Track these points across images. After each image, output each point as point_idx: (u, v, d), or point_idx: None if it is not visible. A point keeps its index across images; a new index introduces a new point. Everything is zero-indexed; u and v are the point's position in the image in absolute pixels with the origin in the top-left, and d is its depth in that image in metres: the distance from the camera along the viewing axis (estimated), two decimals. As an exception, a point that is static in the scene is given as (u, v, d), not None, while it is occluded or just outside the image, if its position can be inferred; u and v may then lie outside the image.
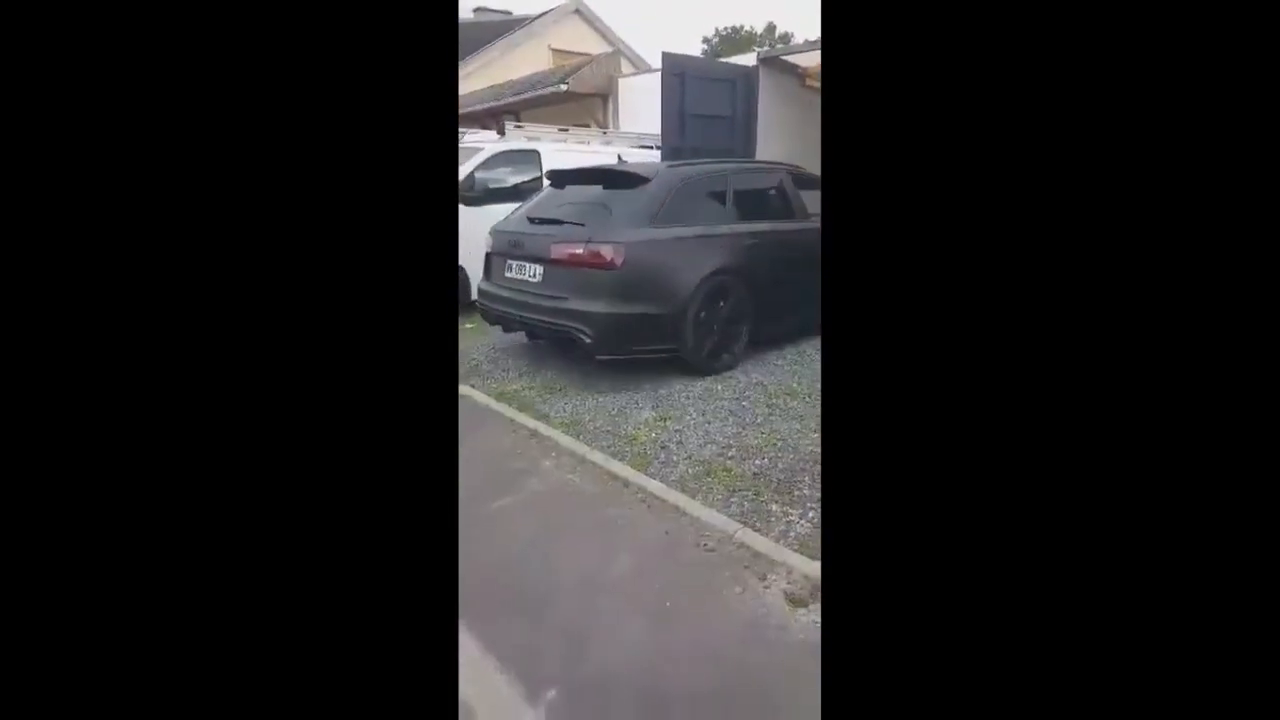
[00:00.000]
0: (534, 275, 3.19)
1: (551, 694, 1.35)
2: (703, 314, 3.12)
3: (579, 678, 1.40)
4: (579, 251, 2.95)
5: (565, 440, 2.53)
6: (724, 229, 3.29)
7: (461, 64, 12.13)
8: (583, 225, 3.10)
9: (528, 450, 2.50)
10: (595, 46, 12.15)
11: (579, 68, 8.23)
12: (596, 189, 3.36)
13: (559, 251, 3.03)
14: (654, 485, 2.17)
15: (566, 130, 5.91)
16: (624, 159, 4.56)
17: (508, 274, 3.33)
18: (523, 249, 3.25)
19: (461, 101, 10.16)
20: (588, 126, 7.94)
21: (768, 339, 3.60)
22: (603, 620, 1.57)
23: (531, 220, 3.39)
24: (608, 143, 6.05)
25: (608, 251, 2.89)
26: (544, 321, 3.08)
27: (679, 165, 3.58)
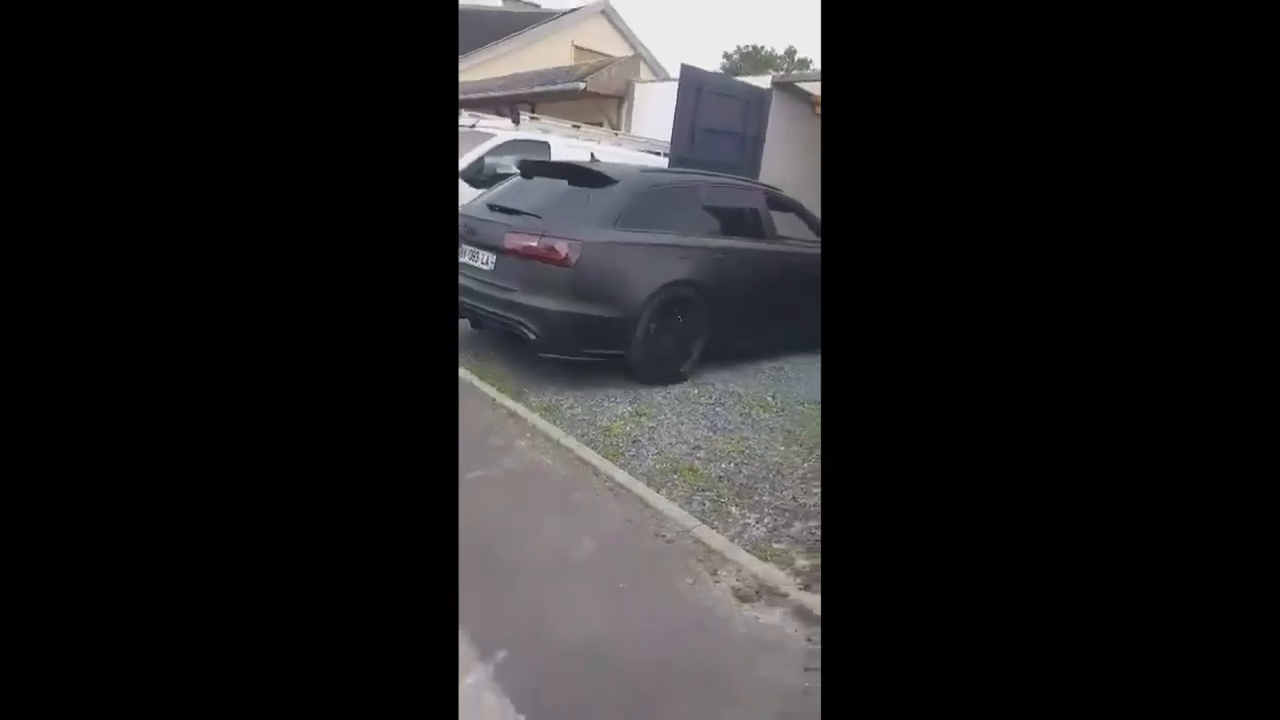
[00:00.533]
0: (486, 263, 3.08)
1: (502, 654, 1.43)
2: (655, 323, 3.05)
3: (530, 640, 1.47)
4: (533, 244, 2.87)
5: (542, 424, 2.61)
6: (688, 240, 3.20)
7: (485, 49, 12.17)
8: (540, 218, 3.02)
9: (505, 429, 2.57)
10: (617, 48, 12.27)
11: (599, 68, 8.34)
12: (563, 184, 3.26)
13: (513, 242, 2.94)
14: (621, 475, 2.25)
15: (579, 127, 6.00)
16: (596, 157, 4.52)
17: (461, 259, 3.19)
18: (477, 236, 3.13)
19: (479, 86, 10.19)
20: (600, 126, 8.03)
21: (726, 356, 3.55)
22: (558, 593, 1.65)
23: (491, 207, 3.29)
24: (618, 144, 6.14)
25: (562, 247, 2.80)
26: (490, 312, 2.97)
27: (650, 171, 3.48)
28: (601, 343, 2.97)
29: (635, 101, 8.25)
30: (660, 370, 3.19)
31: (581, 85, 7.72)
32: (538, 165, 3.58)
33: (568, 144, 5.67)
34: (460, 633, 1.48)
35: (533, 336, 2.84)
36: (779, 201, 3.94)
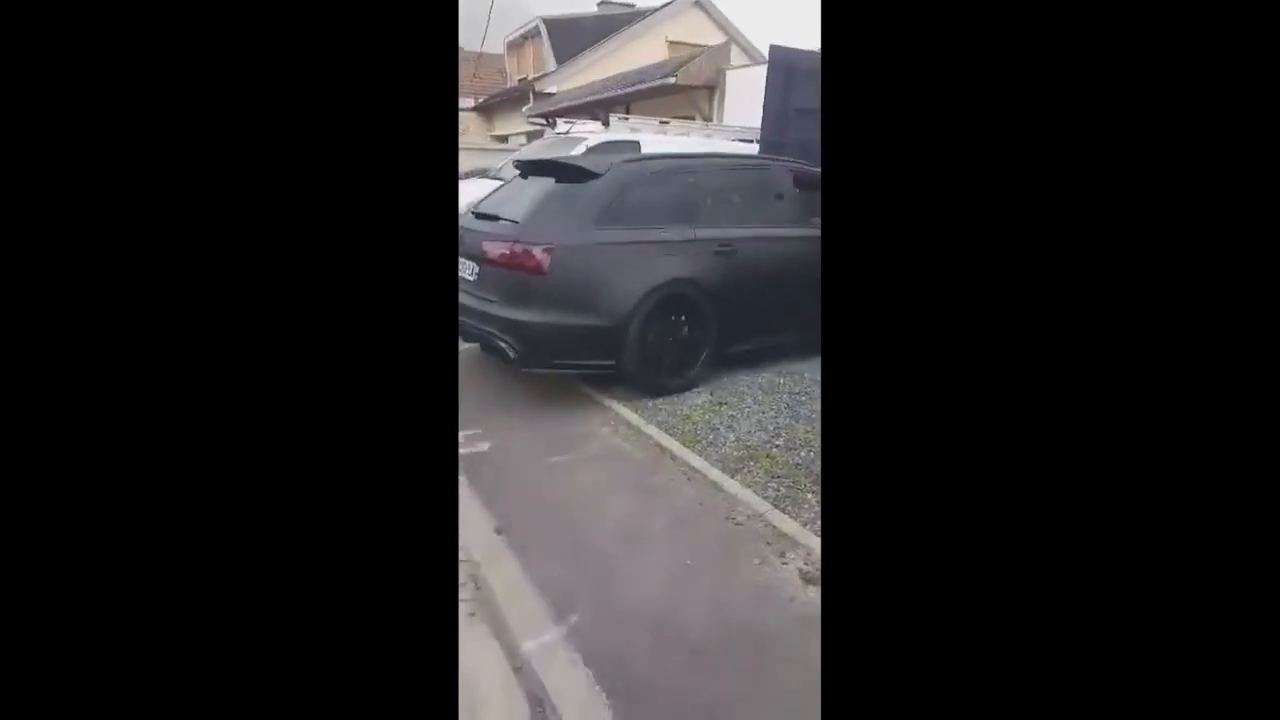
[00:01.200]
0: (471, 274, 2.93)
1: (574, 618, 1.58)
2: (650, 328, 2.80)
3: (599, 607, 1.61)
4: (507, 251, 2.71)
5: (624, 411, 2.75)
6: (685, 233, 2.91)
7: (580, 57, 12.62)
8: (517, 222, 2.85)
9: (589, 417, 2.74)
10: (713, 38, 12.18)
11: (689, 60, 8.36)
12: (550, 182, 3.05)
13: (492, 250, 2.77)
14: (697, 461, 2.33)
15: (667, 122, 6.09)
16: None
17: None
18: (464, 245, 2.96)
19: (574, 94, 10.59)
20: (693, 119, 8.06)
21: (741, 359, 3.24)
22: (628, 566, 1.77)
23: (477, 215, 3.13)
24: (708, 135, 6.16)
25: (536, 253, 2.63)
26: (473, 325, 2.83)
27: (640, 159, 3.16)
28: (588, 353, 2.75)
29: (727, 89, 8.18)
30: (662, 379, 2.93)
31: (671, 79, 7.79)
32: (532, 164, 3.33)
33: (657, 139, 5.79)
34: (539, 596, 1.65)
35: (512, 353, 2.66)
36: (811, 179, 3.52)
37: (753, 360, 3.31)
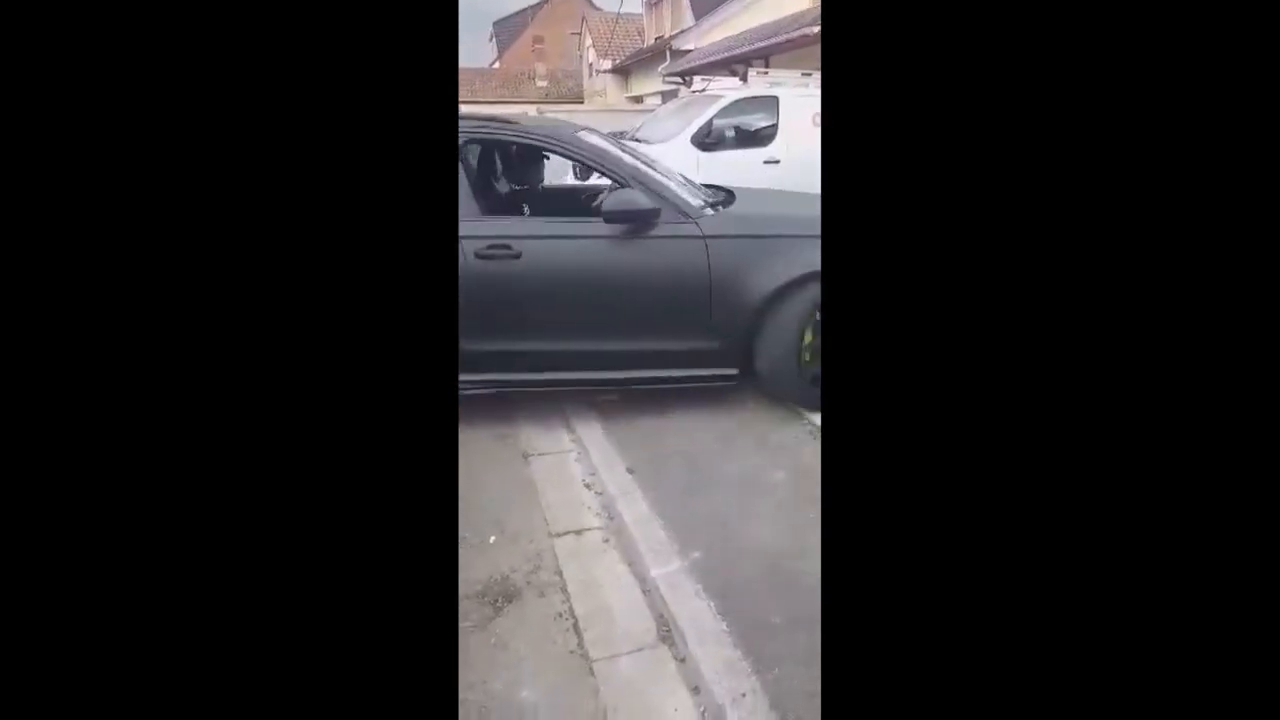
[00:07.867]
0: None
1: (696, 554, 1.70)
2: None
3: (721, 545, 1.72)
4: None
5: (751, 371, 2.80)
6: None
7: (718, 11, 12.22)
8: None
9: (717, 375, 2.82)
10: (862, -23, 11.18)
11: (836, 5, 7.79)
12: None
13: None
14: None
15: (809, 75, 5.79)
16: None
17: None
18: None
19: (711, 49, 10.33)
20: (837, 69, 7.54)
21: None
22: (750, 511, 1.86)
23: None
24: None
25: None
26: None
27: None
28: None
29: (878, 34, 7.52)
30: None
31: (814, 28, 7.33)
32: None
33: (797, 94, 5.55)
34: (666, 531, 1.79)
35: None
36: (513, 142, 2.73)
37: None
